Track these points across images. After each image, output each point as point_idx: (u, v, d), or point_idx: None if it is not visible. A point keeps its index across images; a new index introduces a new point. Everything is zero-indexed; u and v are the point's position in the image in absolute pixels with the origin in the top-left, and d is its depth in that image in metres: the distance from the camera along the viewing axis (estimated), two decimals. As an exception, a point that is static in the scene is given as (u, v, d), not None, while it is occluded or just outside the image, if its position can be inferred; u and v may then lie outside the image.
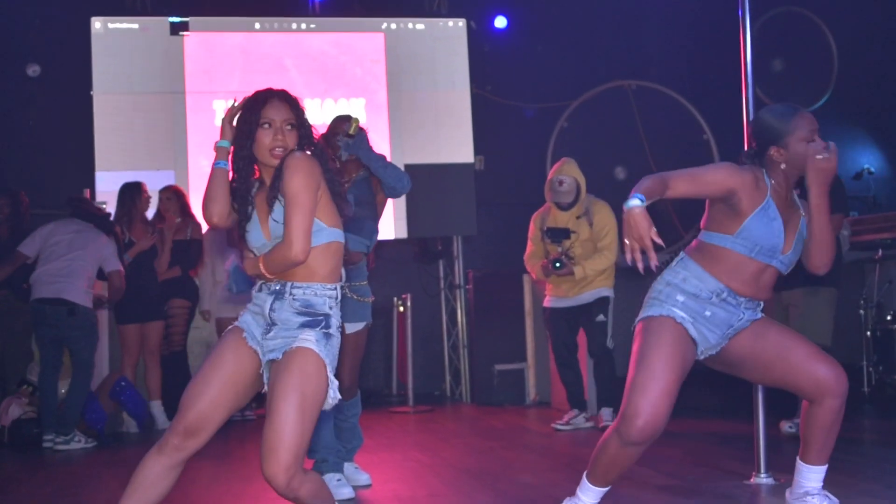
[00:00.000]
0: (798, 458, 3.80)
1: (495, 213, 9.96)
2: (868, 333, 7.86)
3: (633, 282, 7.03)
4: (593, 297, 6.99)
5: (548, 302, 7.18)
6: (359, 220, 4.82)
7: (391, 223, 9.11)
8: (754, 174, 3.59)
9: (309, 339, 3.11)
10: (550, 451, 6.17)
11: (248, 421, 8.05)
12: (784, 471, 4.45)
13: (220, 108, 9.02)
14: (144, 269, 7.60)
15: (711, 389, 7.23)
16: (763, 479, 4.61)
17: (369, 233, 4.94)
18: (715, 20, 6.15)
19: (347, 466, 5.02)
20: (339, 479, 4.78)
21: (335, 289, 3.23)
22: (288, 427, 2.99)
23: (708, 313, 3.57)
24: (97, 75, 8.86)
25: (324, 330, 3.16)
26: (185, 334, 8.05)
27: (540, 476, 5.15)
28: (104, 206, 7.87)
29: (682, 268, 3.63)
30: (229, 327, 3.29)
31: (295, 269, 3.15)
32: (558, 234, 7.05)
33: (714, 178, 3.52)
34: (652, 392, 3.40)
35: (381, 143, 9.04)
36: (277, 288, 3.18)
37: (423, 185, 9.23)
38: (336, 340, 3.20)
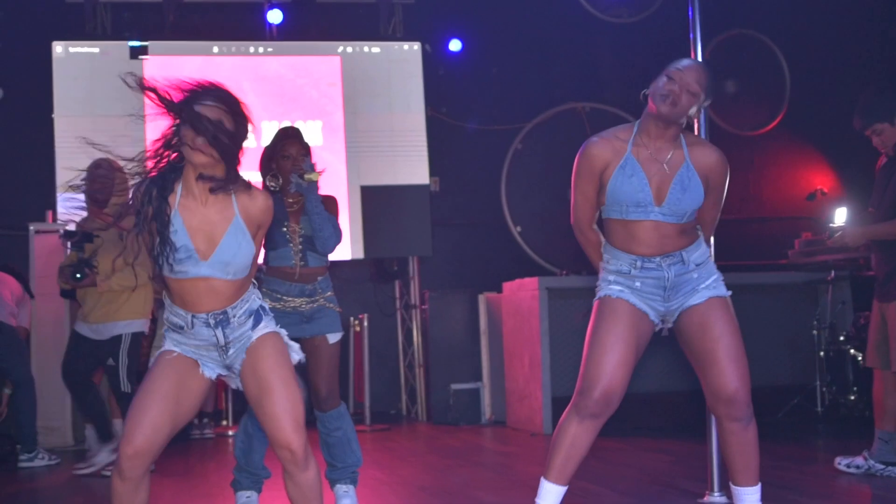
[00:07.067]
0: (730, 482, 3.80)
1: (451, 233, 10.00)
2: (821, 354, 7.94)
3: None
4: (108, 335, 6.16)
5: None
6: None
7: (348, 244, 9.10)
8: (610, 140, 3.68)
9: (265, 327, 3.32)
10: (507, 470, 6.19)
11: (207, 439, 8.08)
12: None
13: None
14: None
15: (665, 409, 7.30)
16: (716, 497, 4.63)
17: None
18: (668, 43, 6.20)
19: (338, 488, 4.79)
20: (248, 497, 4.76)
21: (253, 283, 3.39)
22: (289, 396, 3.22)
23: (637, 284, 3.64)
24: (58, 98, 8.87)
25: (266, 316, 3.36)
26: (149, 352, 8.00)
27: (497, 494, 5.14)
28: (66, 226, 7.87)
29: (605, 252, 3.75)
30: (166, 354, 3.29)
31: (230, 295, 3.25)
32: (81, 237, 6.03)
33: (586, 176, 3.68)
34: (605, 363, 3.55)
35: (337, 164, 9.07)
36: (219, 318, 3.24)
37: (380, 206, 9.28)
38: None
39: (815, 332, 8.00)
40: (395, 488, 5.48)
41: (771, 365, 7.84)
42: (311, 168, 4.69)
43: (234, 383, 3.38)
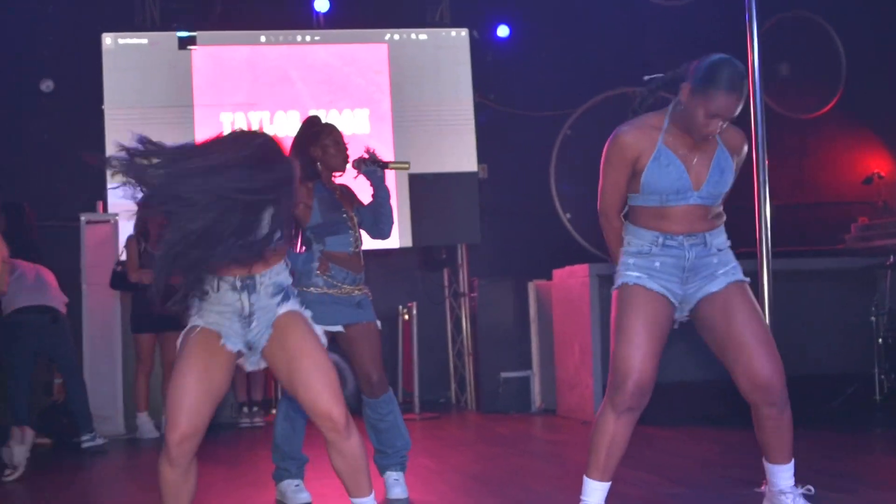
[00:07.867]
0: (763, 458, 3.79)
1: (499, 221, 9.92)
2: (879, 340, 7.76)
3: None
4: None
5: None
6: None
7: (396, 232, 9.07)
8: (642, 129, 3.60)
9: (292, 305, 3.34)
10: (558, 459, 6.16)
11: (256, 428, 8.10)
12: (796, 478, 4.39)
13: (227, 120, 9.09)
14: None
15: (719, 397, 7.19)
16: (773, 486, 4.55)
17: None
18: (720, 25, 6.11)
19: (388, 476, 4.81)
20: (297, 485, 4.77)
21: (286, 262, 3.41)
22: (322, 365, 3.25)
23: (657, 264, 3.62)
24: (108, 90, 8.94)
25: (293, 297, 3.38)
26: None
27: (548, 483, 5.12)
28: (117, 217, 7.92)
29: (625, 234, 3.74)
30: (190, 332, 3.32)
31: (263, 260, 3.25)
32: None
33: (617, 164, 3.62)
34: (634, 357, 3.54)
35: (385, 152, 9.02)
36: (247, 283, 3.25)
37: (428, 193, 9.25)
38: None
39: (873, 318, 7.82)
40: (446, 476, 5.46)
41: (828, 352, 7.69)
42: (375, 158, 4.77)
43: (251, 364, 3.37)
